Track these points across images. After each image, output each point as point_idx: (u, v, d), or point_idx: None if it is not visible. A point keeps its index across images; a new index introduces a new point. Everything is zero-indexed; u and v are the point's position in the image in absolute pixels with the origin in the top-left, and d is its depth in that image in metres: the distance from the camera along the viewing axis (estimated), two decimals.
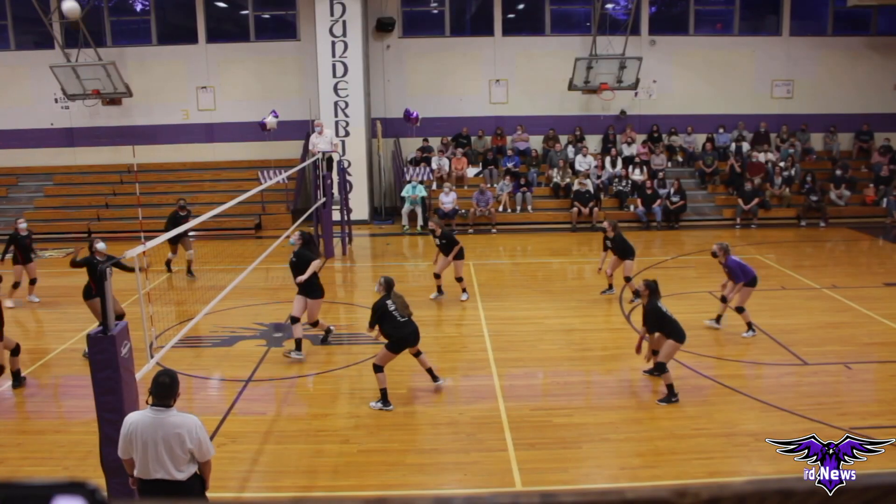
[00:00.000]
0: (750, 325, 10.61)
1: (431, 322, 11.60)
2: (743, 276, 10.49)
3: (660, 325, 8.52)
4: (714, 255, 10.68)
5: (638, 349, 8.92)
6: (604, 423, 7.96)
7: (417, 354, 8.77)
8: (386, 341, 8.51)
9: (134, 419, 5.00)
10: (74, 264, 9.88)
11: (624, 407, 8.46)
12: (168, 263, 14.66)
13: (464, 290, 12.88)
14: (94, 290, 9.32)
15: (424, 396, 8.80)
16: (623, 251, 12.38)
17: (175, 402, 5.03)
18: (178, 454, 4.92)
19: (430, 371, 8.80)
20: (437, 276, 12.87)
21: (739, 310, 10.58)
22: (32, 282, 13.11)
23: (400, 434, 7.81)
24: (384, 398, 8.40)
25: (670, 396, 8.43)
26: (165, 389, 4.97)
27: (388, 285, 8.65)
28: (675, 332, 8.42)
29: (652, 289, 8.60)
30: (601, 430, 7.78)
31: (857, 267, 15.37)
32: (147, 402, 5.03)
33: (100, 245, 9.91)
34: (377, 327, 8.53)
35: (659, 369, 8.52)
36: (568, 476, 6.94)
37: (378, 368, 8.42)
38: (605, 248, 12.63)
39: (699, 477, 6.86)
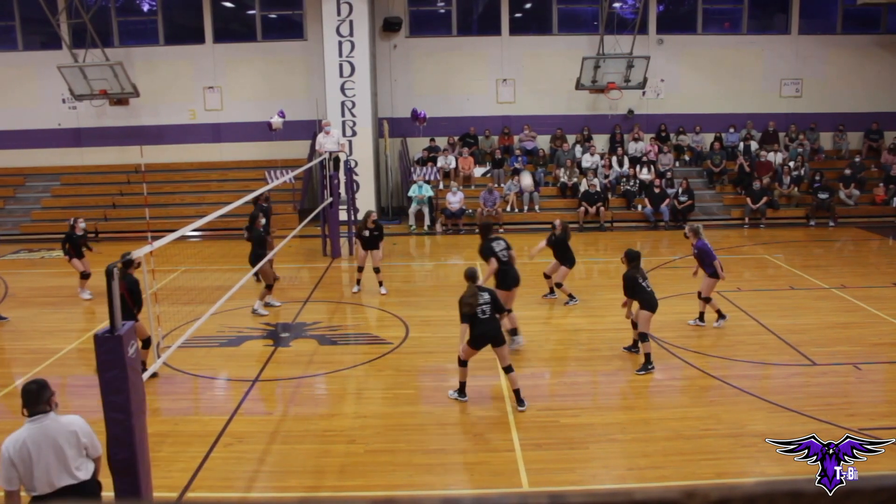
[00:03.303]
0: (720, 313, 10.89)
1: (437, 322, 11.58)
2: (710, 261, 10.58)
3: (633, 293, 9.24)
4: (686, 236, 11.05)
5: (624, 305, 9.56)
6: (611, 423, 7.93)
7: (507, 371, 8.31)
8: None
9: (17, 438, 4.81)
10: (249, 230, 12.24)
11: (631, 407, 8.43)
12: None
13: (381, 283, 13.31)
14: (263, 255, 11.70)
15: (431, 396, 8.79)
16: (563, 255, 12.04)
17: (51, 406, 4.91)
18: (77, 453, 4.89)
19: (516, 392, 8.27)
20: (361, 270, 13.34)
21: (707, 300, 10.85)
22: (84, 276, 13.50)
23: (407, 434, 7.80)
24: (461, 389, 8.50)
25: (647, 364, 9.17)
26: (34, 396, 4.86)
27: (467, 276, 8.38)
28: (647, 302, 9.20)
29: (629, 258, 9.32)
30: (608, 431, 7.75)
31: (866, 267, 15.28)
32: (23, 415, 4.90)
33: (263, 220, 12.29)
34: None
35: (641, 339, 9.34)
36: (575, 476, 6.91)
37: (461, 363, 8.42)
38: (547, 242, 12.06)
39: (707, 478, 6.82)
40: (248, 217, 13.20)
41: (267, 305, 12.34)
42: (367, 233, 13.05)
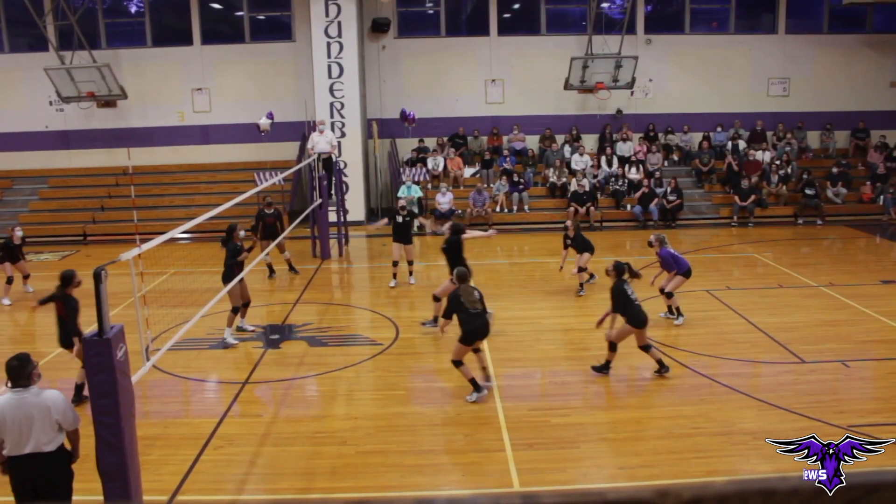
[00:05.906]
0: (678, 311, 11.22)
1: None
2: (676, 267, 11.02)
3: (623, 307, 8.81)
4: (650, 244, 11.32)
5: (599, 323, 9.31)
6: (602, 422, 7.96)
7: (476, 351, 8.81)
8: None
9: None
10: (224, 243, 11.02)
11: (622, 406, 8.45)
12: (270, 266, 14.77)
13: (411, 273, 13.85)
14: (237, 271, 10.58)
15: (422, 397, 8.79)
16: (582, 247, 12.97)
17: (32, 380, 5.38)
18: (47, 427, 5.33)
19: (483, 369, 8.85)
20: (396, 264, 13.76)
21: (669, 295, 11.17)
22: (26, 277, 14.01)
23: (398, 435, 7.79)
24: (475, 387, 8.49)
25: (604, 368, 9.08)
26: (17, 371, 5.33)
27: (460, 277, 8.77)
28: (634, 317, 8.77)
29: (619, 270, 8.97)
30: (599, 430, 7.77)
31: (854, 265, 15.38)
32: (7, 386, 5.37)
33: (241, 233, 11.54)
34: (452, 318, 8.57)
35: (610, 347, 9.06)
36: (566, 476, 6.92)
37: (457, 363, 8.53)
38: (565, 247, 13.12)
39: (698, 476, 6.85)
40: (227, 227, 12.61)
41: (239, 330, 11.17)
42: (399, 218, 13.28)
